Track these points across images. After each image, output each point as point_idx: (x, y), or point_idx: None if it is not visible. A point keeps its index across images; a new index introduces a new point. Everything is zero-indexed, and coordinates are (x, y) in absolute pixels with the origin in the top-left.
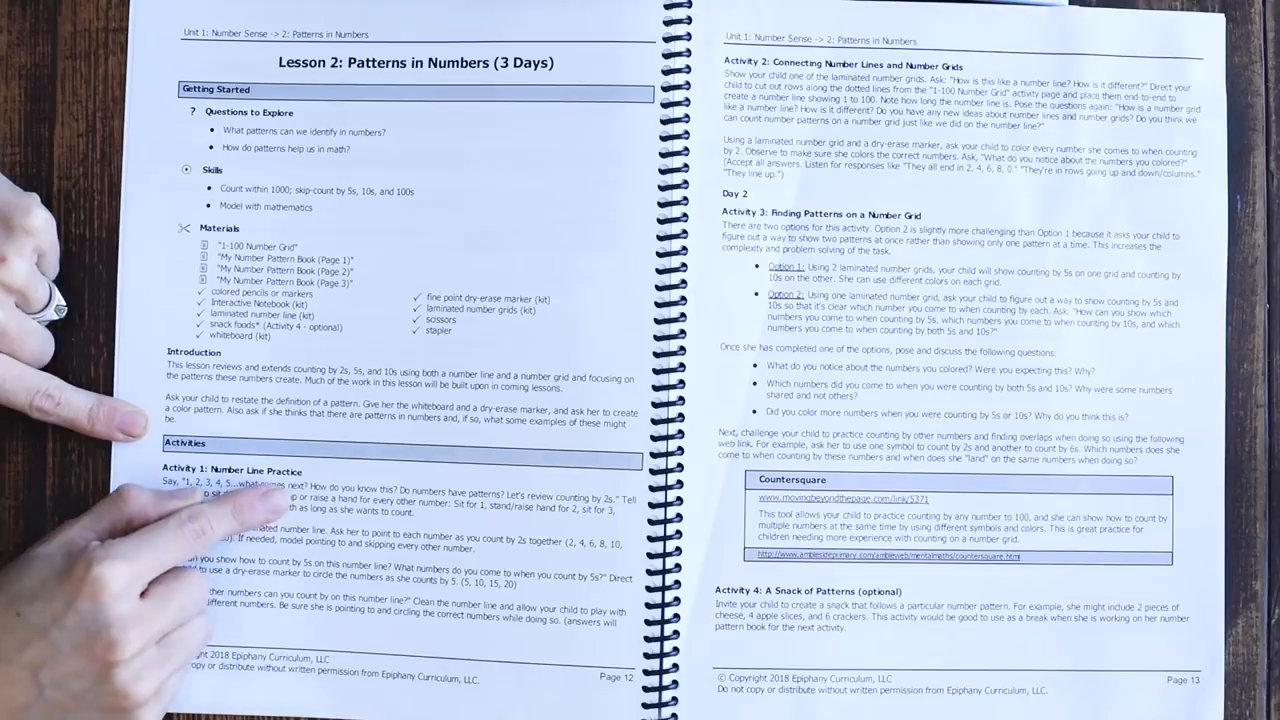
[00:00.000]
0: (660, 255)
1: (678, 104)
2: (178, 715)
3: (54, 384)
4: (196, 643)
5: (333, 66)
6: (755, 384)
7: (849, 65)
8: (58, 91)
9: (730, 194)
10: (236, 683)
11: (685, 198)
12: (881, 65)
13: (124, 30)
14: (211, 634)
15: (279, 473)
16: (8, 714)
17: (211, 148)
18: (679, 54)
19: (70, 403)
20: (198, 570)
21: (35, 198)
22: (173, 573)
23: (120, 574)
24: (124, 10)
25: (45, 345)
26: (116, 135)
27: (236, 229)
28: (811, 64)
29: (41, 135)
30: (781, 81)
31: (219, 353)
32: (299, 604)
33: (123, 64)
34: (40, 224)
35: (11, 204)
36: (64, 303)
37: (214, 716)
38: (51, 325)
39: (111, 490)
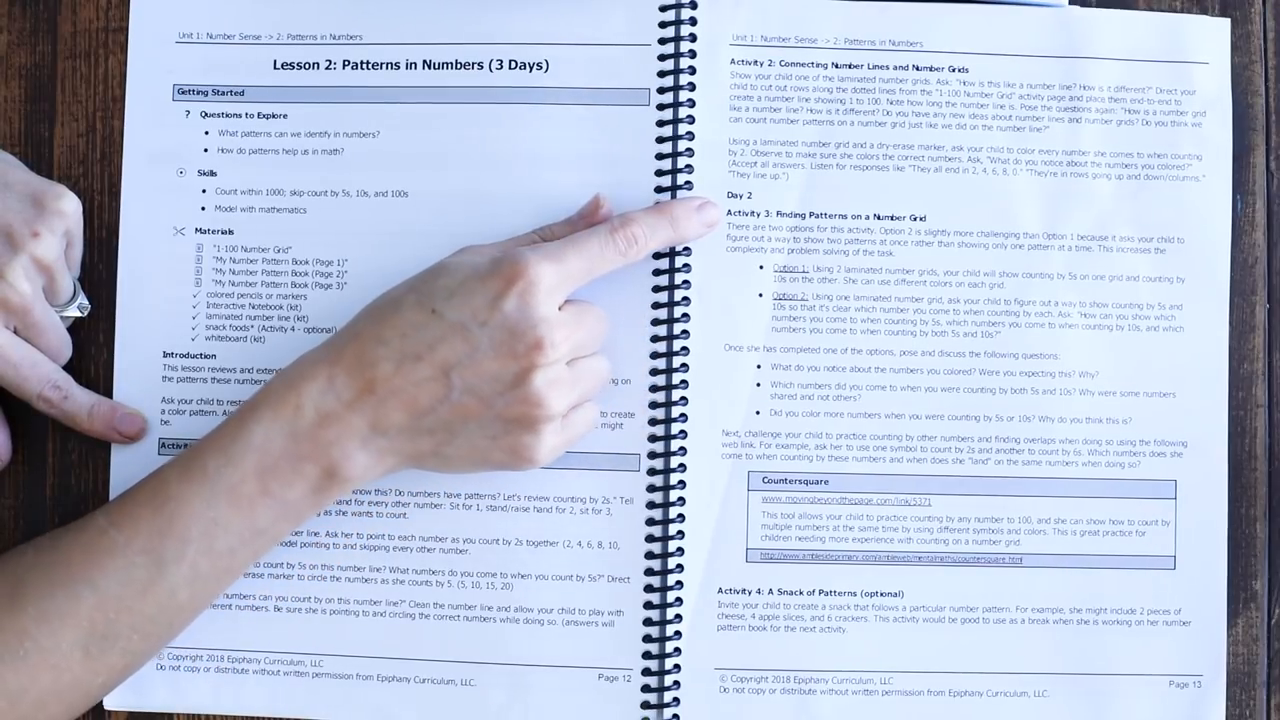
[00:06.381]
0: (659, 257)
1: (676, 105)
2: (177, 716)
3: (64, 378)
4: (600, 378)
5: (327, 69)
6: (759, 385)
7: (855, 67)
8: (58, 91)
9: (735, 195)
10: (231, 686)
11: None
12: (887, 67)
13: (124, 30)
14: (610, 373)
15: None
16: (409, 416)
17: (206, 150)
18: (680, 55)
19: (75, 398)
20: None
21: (64, 187)
22: (577, 300)
23: (550, 273)
24: (124, 10)
25: (64, 344)
26: (116, 135)
27: (231, 232)
28: (817, 65)
29: (41, 135)
30: (787, 83)
31: (214, 355)
32: (294, 607)
33: (123, 64)
34: (71, 207)
35: (43, 187)
36: (87, 302)
37: (209, 718)
38: (70, 329)
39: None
